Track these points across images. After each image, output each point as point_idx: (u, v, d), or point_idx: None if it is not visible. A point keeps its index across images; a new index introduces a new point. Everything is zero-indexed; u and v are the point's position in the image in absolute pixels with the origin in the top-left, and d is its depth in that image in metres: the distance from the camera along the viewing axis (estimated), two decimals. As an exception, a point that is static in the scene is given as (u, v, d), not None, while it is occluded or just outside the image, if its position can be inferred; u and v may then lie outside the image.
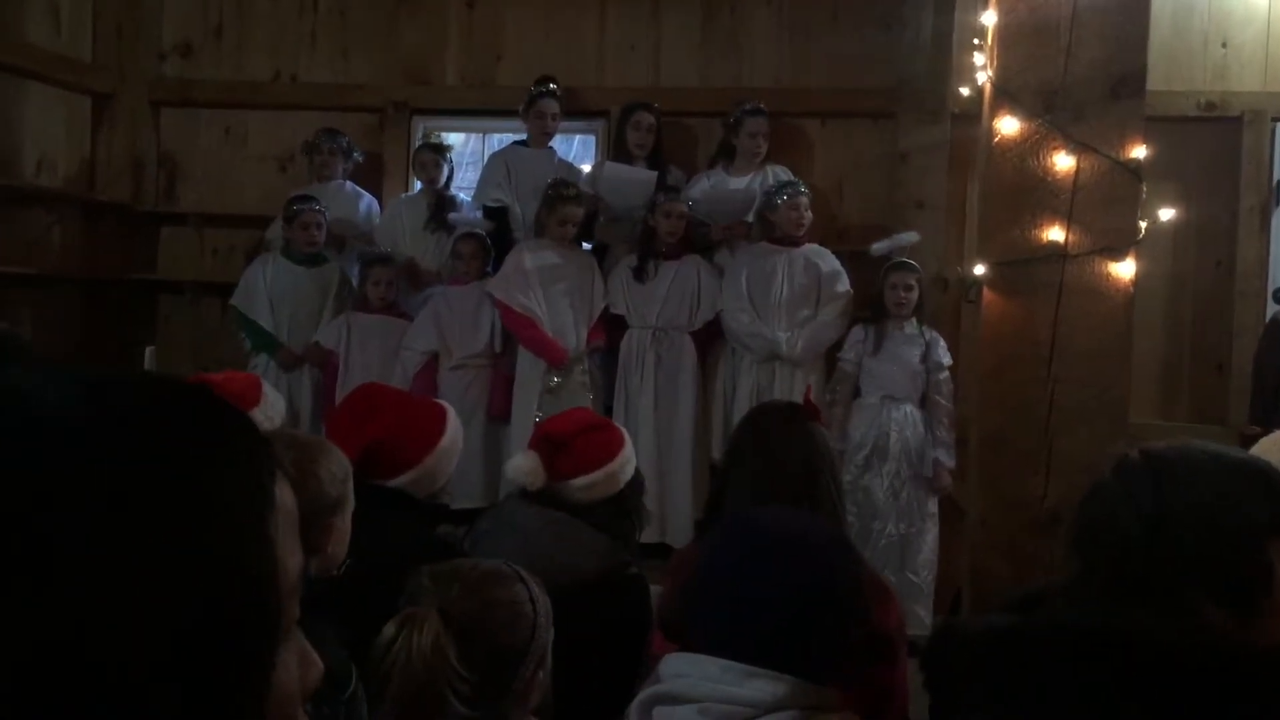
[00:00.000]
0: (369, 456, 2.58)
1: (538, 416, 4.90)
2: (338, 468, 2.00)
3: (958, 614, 3.09)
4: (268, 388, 3.05)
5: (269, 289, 5.41)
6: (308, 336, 5.40)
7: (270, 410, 3.03)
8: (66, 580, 0.57)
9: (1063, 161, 2.49)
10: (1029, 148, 2.50)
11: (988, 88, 2.61)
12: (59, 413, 0.61)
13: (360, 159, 5.90)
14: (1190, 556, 1.41)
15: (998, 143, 2.52)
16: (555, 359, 5.12)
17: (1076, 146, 2.47)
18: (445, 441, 2.62)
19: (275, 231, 5.63)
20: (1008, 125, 2.51)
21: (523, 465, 2.66)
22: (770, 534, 1.81)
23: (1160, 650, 1.36)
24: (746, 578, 1.78)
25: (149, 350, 3.16)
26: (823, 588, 1.72)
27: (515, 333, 5.18)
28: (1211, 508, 1.41)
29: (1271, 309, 4.91)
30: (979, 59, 2.67)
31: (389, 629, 1.77)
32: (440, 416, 2.69)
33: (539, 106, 5.53)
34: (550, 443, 2.69)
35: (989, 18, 2.58)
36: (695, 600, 1.96)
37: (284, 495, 0.69)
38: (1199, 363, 5.55)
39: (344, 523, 2.01)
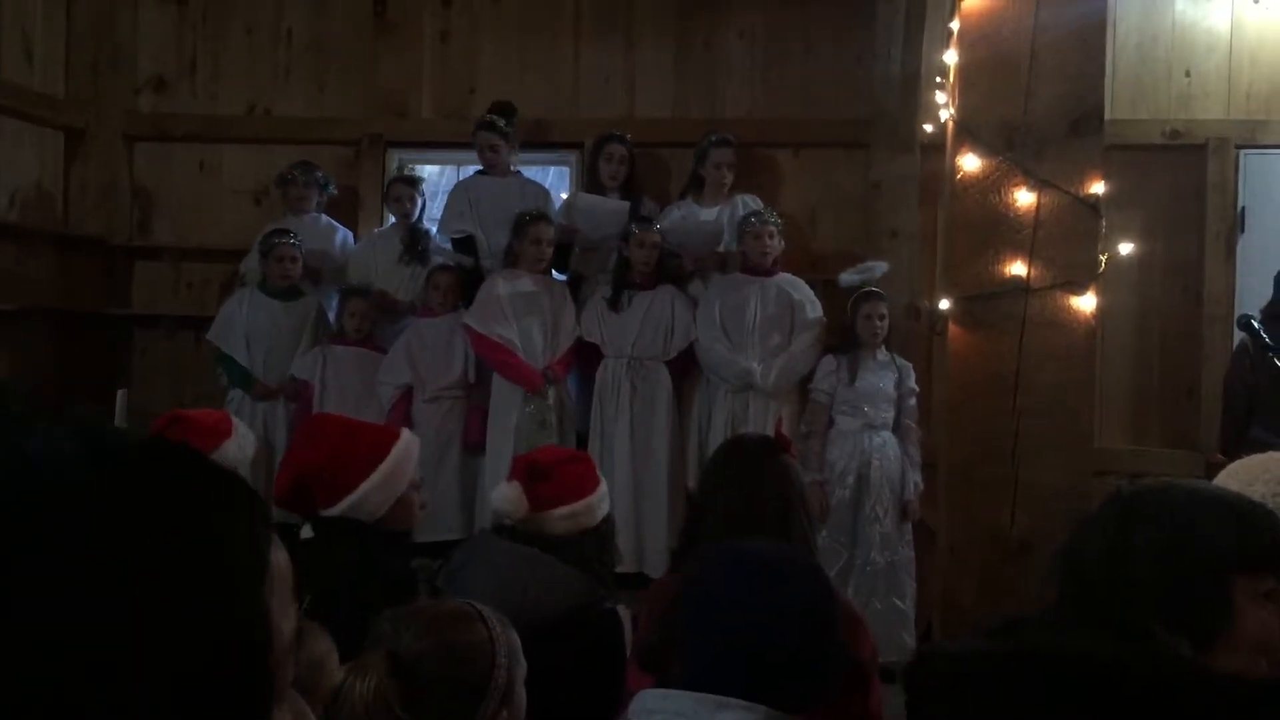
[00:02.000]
0: (299, 485, 2.57)
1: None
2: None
3: (930, 640, 3.11)
4: (239, 423, 3.05)
5: (245, 324, 5.41)
6: (284, 370, 5.40)
7: (242, 445, 3.03)
8: (68, 644, 0.58)
9: (1024, 197, 2.53)
10: (991, 184, 2.54)
11: (950, 125, 2.65)
12: (61, 477, 0.63)
13: (334, 192, 5.92)
14: (1149, 587, 1.44)
15: (960, 179, 2.56)
16: (531, 385, 5.13)
17: (1037, 183, 2.51)
18: (387, 465, 2.59)
19: (250, 264, 5.63)
20: (970, 162, 2.56)
21: (507, 494, 2.67)
22: (745, 565, 1.84)
23: (1127, 675, 1.39)
24: (722, 608, 1.80)
25: (121, 394, 3.15)
26: (798, 618, 1.75)
27: (489, 360, 5.19)
28: (1173, 540, 1.45)
29: (1239, 335, 4.97)
30: (941, 97, 2.71)
31: (339, 674, 1.78)
32: (388, 442, 2.67)
33: (479, 139, 5.54)
34: (532, 472, 2.71)
35: (951, 56, 2.63)
36: (672, 631, 1.98)
37: (278, 559, 0.71)
38: (1169, 388, 5.61)
39: None
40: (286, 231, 5.46)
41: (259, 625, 0.67)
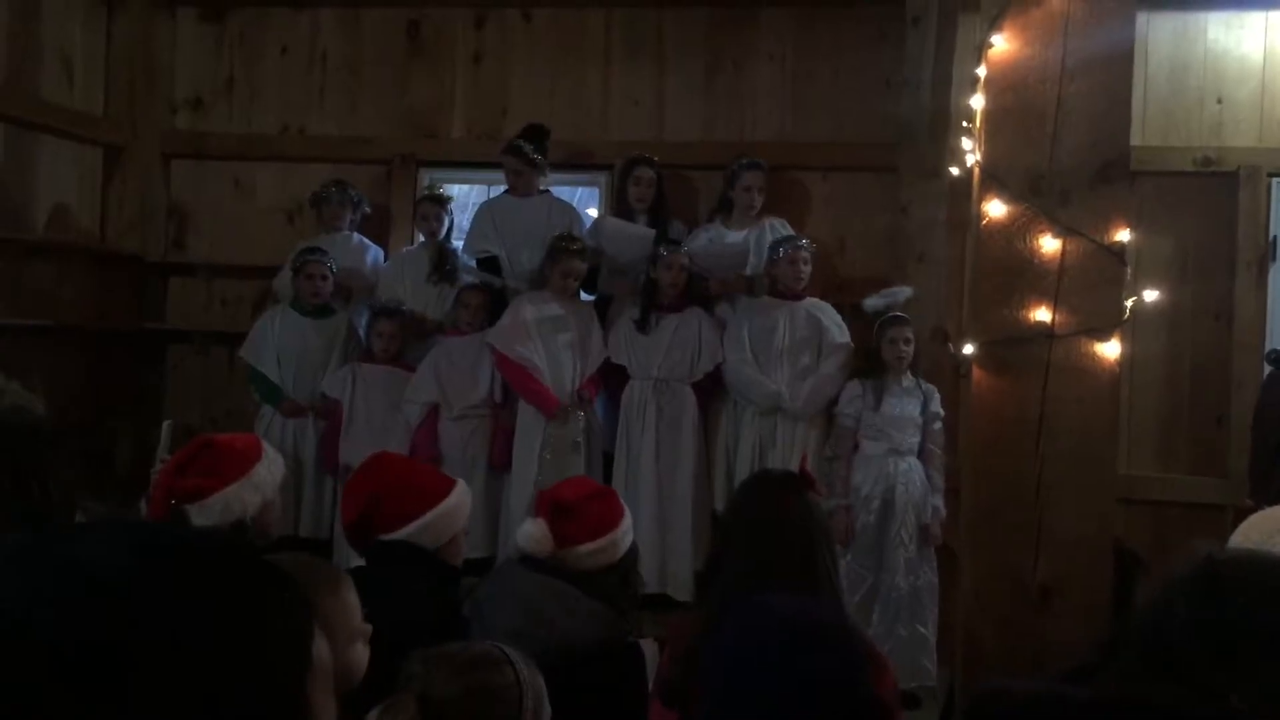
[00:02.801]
0: (369, 508, 2.68)
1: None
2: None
3: (952, 690, 3.11)
4: (268, 446, 3.10)
5: (276, 341, 5.48)
6: (314, 387, 5.46)
7: (271, 469, 3.09)
8: None
9: (1049, 244, 2.54)
10: (1016, 230, 2.56)
11: (977, 170, 2.66)
12: (113, 579, 0.67)
13: (368, 211, 5.98)
14: (1232, 659, 1.46)
15: (986, 225, 2.58)
16: (548, 409, 5.17)
17: (1062, 230, 2.53)
18: (451, 499, 2.71)
19: (282, 281, 5.70)
20: (996, 208, 2.57)
21: (533, 533, 2.72)
22: (776, 629, 1.86)
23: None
24: (749, 673, 1.83)
25: (166, 425, 3.19)
26: (825, 689, 1.77)
27: (511, 382, 5.24)
28: (1265, 621, 1.47)
29: (1268, 368, 4.94)
30: (967, 143, 2.73)
31: (371, 715, 1.81)
32: (450, 482, 2.78)
33: (505, 163, 5.59)
34: (558, 509, 2.75)
35: (978, 101, 2.64)
36: (693, 671, 2.01)
37: (320, 652, 0.74)
38: (1198, 415, 5.58)
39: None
40: (318, 250, 5.53)
41: (302, 717, 0.71)
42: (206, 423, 5.94)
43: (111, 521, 0.75)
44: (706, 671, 1.92)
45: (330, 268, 5.51)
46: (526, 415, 5.24)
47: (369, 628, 1.99)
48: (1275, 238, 5.50)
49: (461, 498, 2.77)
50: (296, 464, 5.32)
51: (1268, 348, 5.16)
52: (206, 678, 0.65)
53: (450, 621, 2.45)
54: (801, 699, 1.70)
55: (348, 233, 5.88)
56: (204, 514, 2.76)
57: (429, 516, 2.63)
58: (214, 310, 6.33)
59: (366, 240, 5.93)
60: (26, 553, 0.68)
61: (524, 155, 5.54)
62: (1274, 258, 5.50)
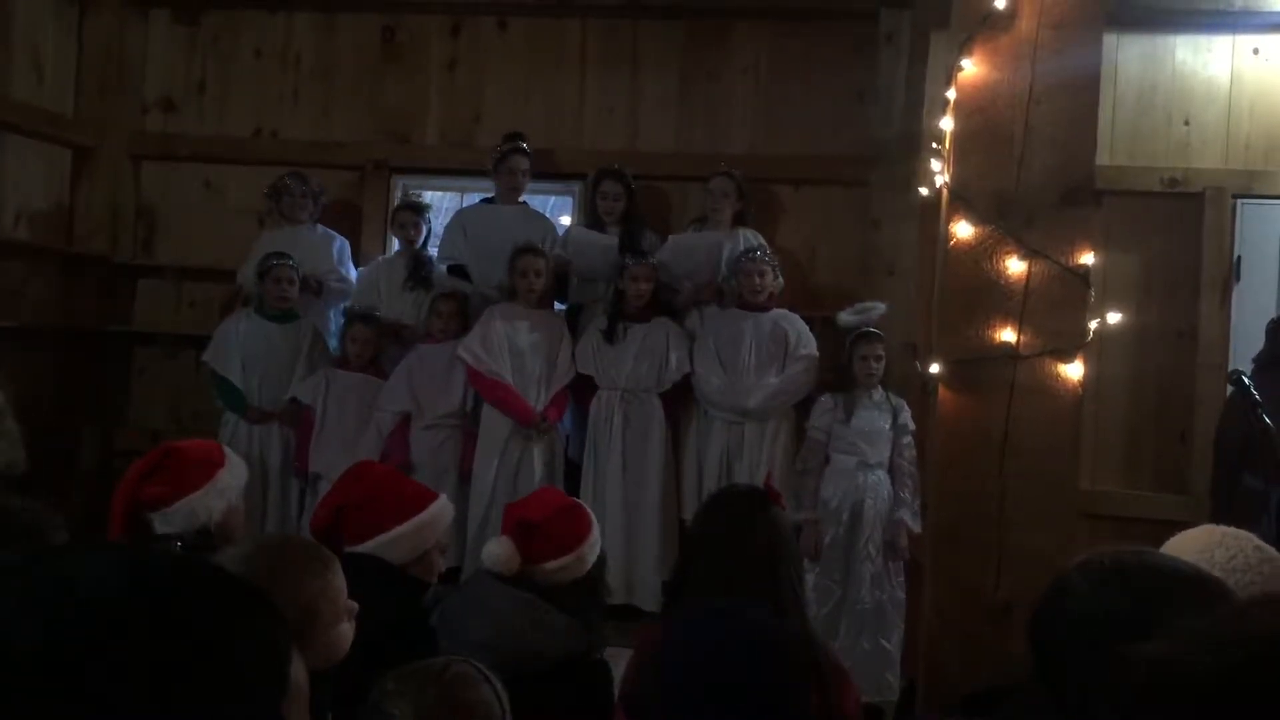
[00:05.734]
0: (337, 519, 2.67)
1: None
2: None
3: (913, 704, 3.14)
4: (231, 453, 3.09)
5: (241, 346, 5.45)
6: (279, 393, 5.43)
7: (235, 475, 3.07)
8: None
9: (1015, 266, 2.57)
10: (983, 251, 2.59)
11: (945, 192, 2.69)
12: (102, 601, 0.69)
13: (327, 202, 5.95)
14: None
15: (953, 245, 2.61)
16: (525, 420, 5.17)
17: (1028, 252, 2.56)
18: (423, 517, 2.70)
19: (246, 274, 5.67)
20: (963, 229, 2.60)
21: (499, 553, 2.72)
22: (723, 638, 1.90)
23: None
24: (697, 681, 1.86)
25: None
26: (769, 698, 1.81)
27: (484, 394, 5.24)
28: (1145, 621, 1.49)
29: (1230, 388, 5.00)
30: (936, 164, 2.76)
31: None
32: (428, 498, 2.77)
33: (510, 163, 5.62)
34: (523, 528, 2.75)
35: (947, 124, 2.67)
36: (661, 697, 2.03)
37: (297, 674, 0.76)
38: (1162, 432, 5.64)
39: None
40: (284, 255, 5.50)
41: None
42: (173, 425, 5.90)
43: (105, 544, 0.78)
44: (658, 682, 1.95)
45: (296, 271, 5.48)
46: (488, 426, 5.24)
47: (355, 606, 2.01)
48: (1239, 258, 5.58)
49: (438, 514, 2.74)
50: (261, 470, 5.30)
51: (1230, 367, 5.22)
52: (187, 700, 0.67)
53: (416, 636, 2.44)
54: (742, 710, 1.74)
55: (310, 225, 5.86)
56: (167, 521, 2.74)
57: (396, 531, 2.61)
58: (182, 313, 6.29)
59: (331, 231, 5.91)
60: (20, 571, 0.70)
61: (528, 153, 5.59)
62: (1237, 278, 5.57)
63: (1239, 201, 5.57)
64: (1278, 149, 5.54)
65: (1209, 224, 5.53)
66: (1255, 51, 5.53)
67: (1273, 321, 5.11)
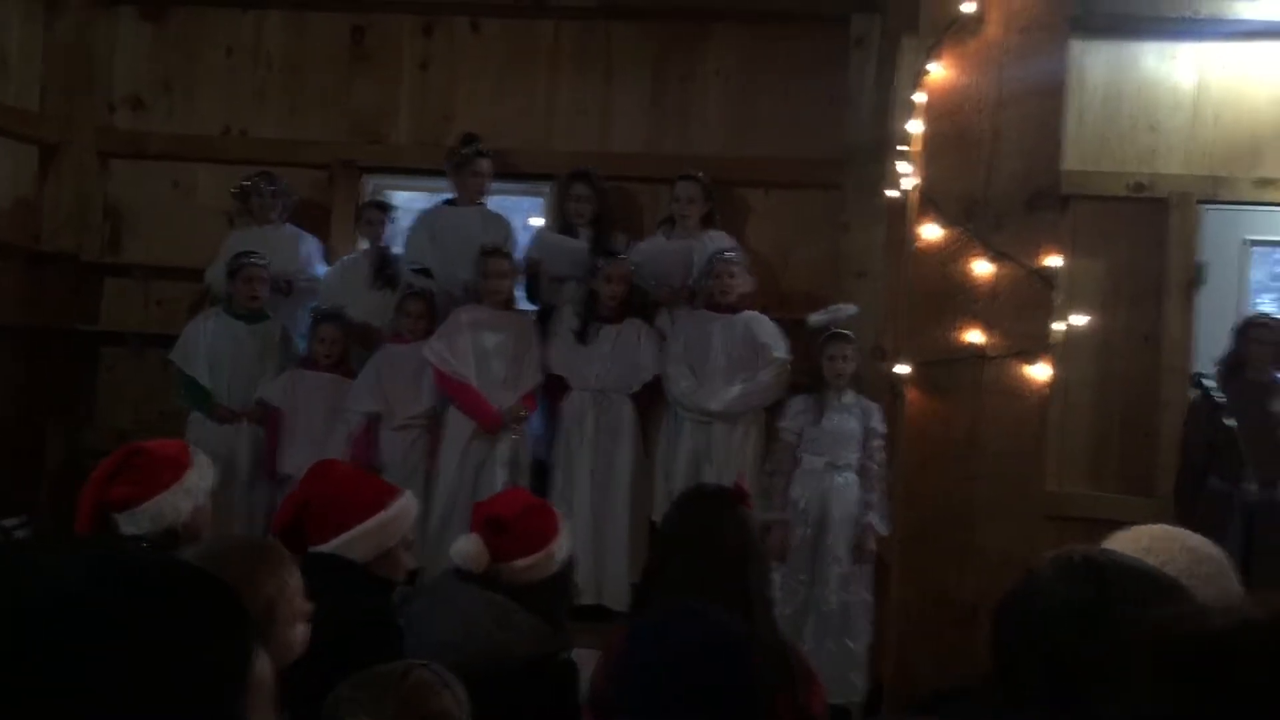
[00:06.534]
0: (300, 517, 2.64)
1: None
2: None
3: (879, 704, 3.16)
4: (198, 453, 3.06)
5: (209, 345, 5.42)
6: (247, 393, 5.40)
7: (202, 475, 3.05)
8: None
9: (982, 268, 2.60)
10: (950, 254, 2.61)
11: (913, 194, 2.72)
12: (67, 595, 0.70)
13: (295, 202, 5.92)
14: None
15: (921, 248, 2.63)
16: (487, 423, 5.17)
17: (995, 254, 2.59)
18: (386, 514, 2.66)
19: (215, 275, 5.63)
20: (931, 231, 2.62)
21: (467, 550, 2.71)
22: (682, 643, 1.92)
23: None
24: (657, 684, 1.88)
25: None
26: (725, 701, 1.83)
27: (449, 396, 5.23)
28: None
29: (1193, 392, 5.07)
30: (905, 167, 2.78)
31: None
32: (391, 494, 2.74)
33: (473, 165, 5.62)
34: (492, 525, 2.75)
35: (915, 127, 2.70)
36: (621, 695, 2.05)
37: (261, 669, 0.76)
38: (1128, 435, 5.69)
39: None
40: (253, 253, 5.47)
41: None
42: (140, 425, 5.85)
43: (67, 540, 0.78)
44: (625, 683, 1.96)
45: (266, 271, 5.45)
46: (452, 426, 5.24)
47: (310, 607, 2.00)
48: (1203, 263, 5.64)
49: (401, 510, 2.71)
50: (229, 471, 5.25)
51: (1194, 371, 5.29)
52: (150, 693, 0.67)
53: (381, 637, 2.43)
54: (707, 711, 1.76)
55: (279, 224, 5.83)
56: (134, 522, 2.72)
57: (359, 529, 2.59)
58: (150, 312, 6.24)
59: (300, 230, 5.89)
60: None
61: (490, 155, 5.64)
62: (1201, 283, 5.63)
63: (1203, 207, 5.63)
64: (1241, 155, 5.61)
65: (1174, 229, 5.59)
66: (1220, 59, 5.59)
67: (1237, 325, 5.19)
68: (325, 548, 2.59)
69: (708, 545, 2.59)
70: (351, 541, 2.60)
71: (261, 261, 5.45)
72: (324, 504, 2.65)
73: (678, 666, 1.85)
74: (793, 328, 5.40)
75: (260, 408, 5.37)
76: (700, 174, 5.59)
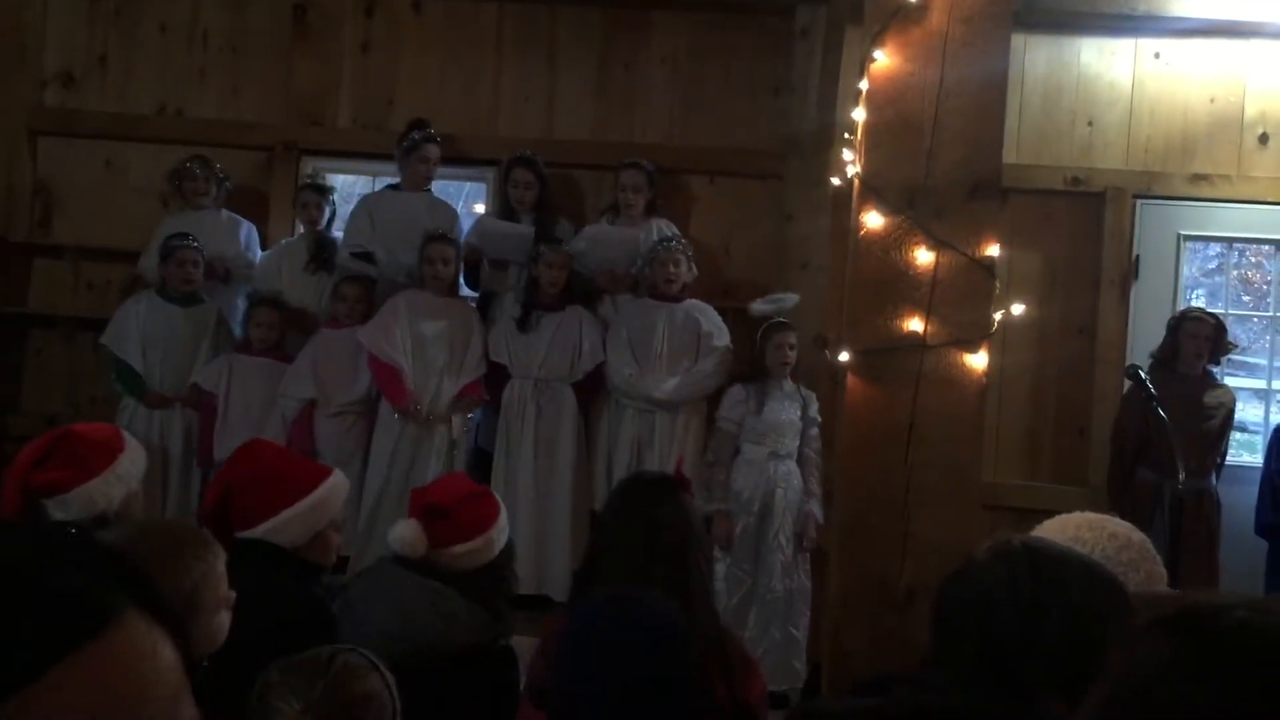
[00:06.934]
0: (225, 503, 2.58)
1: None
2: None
3: (817, 687, 3.18)
4: (130, 438, 3.00)
5: (141, 329, 5.31)
6: (181, 378, 5.31)
7: (135, 461, 2.99)
8: None
9: (923, 256, 2.62)
10: (892, 241, 2.62)
11: (857, 182, 2.73)
12: None
13: (230, 188, 5.82)
14: (1057, 654, 1.51)
15: (864, 235, 2.64)
16: (397, 402, 5.12)
17: (936, 243, 2.60)
18: (314, 497, 2.61)
19: (148, 263, 5.52)
20: (873, 219, 2.63)
21: (405, 535, 2.68)
22: (617, 629, 1.91)
23: None
24: (591, 664, 1.88)
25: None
26: (656, 688, 1.83)
27: (374, 378, 5.18)
28: (1083, 619, 1.53)
29: (1127, 382, 5.15)
30: (848, 154, 2.79)
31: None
32: (319, 476, 2.69)
33: (423, 151, 5.56)
34: (430, 511, 2.71)
35: (859, 115, 2.70)
36: (557, 682, 2.04)
37: (165, 660, 0.69)
38: (1061, 425, 5.78)
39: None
40: (188, 235, 5.37)
41: None
42: (69, 410, 5.72)
43: None
44: (562, 671, 1.95)
45: (201, 253, 5.35)
46: (386, 413, 5.20)
47: (233, 595, 1.97)
48: (1138, 257, 5.74)
49: (330, 492, 2.66)
50: (162, 457, 5.18)
51: (1128, 362, 5.37)
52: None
53: (312, 624, 2.39)
54: (643, 699, 1.76)
55: (215, 209, 5.72)
56: (63, 508, 2.66)
57: (288, 514, 2.54)
58: (80, 294, 6.09)
59: (237, 216, 5.79)
60: None
61: (439, 141, 5.58)
62: (1136, 276, 5.73)
63: (1138, 202, 5.73)
64: (1176, 151, 5.71)
65: (1109, 223, 5.68)
66: (1156, 55, 5.69)
67: (1172, 319, 5.29)
68: (254, 533, 2.54)
69: (647, 532, 2.59)
70: (281, 526, 2.55)
71: (195, 244, 5.35)
72: (251, 488, 2.59)
73: (617, 655, 1.84)
74: (735, 317, 5.41)
75: (194, 392, 5.28)
76: (645, 162, 5.57)
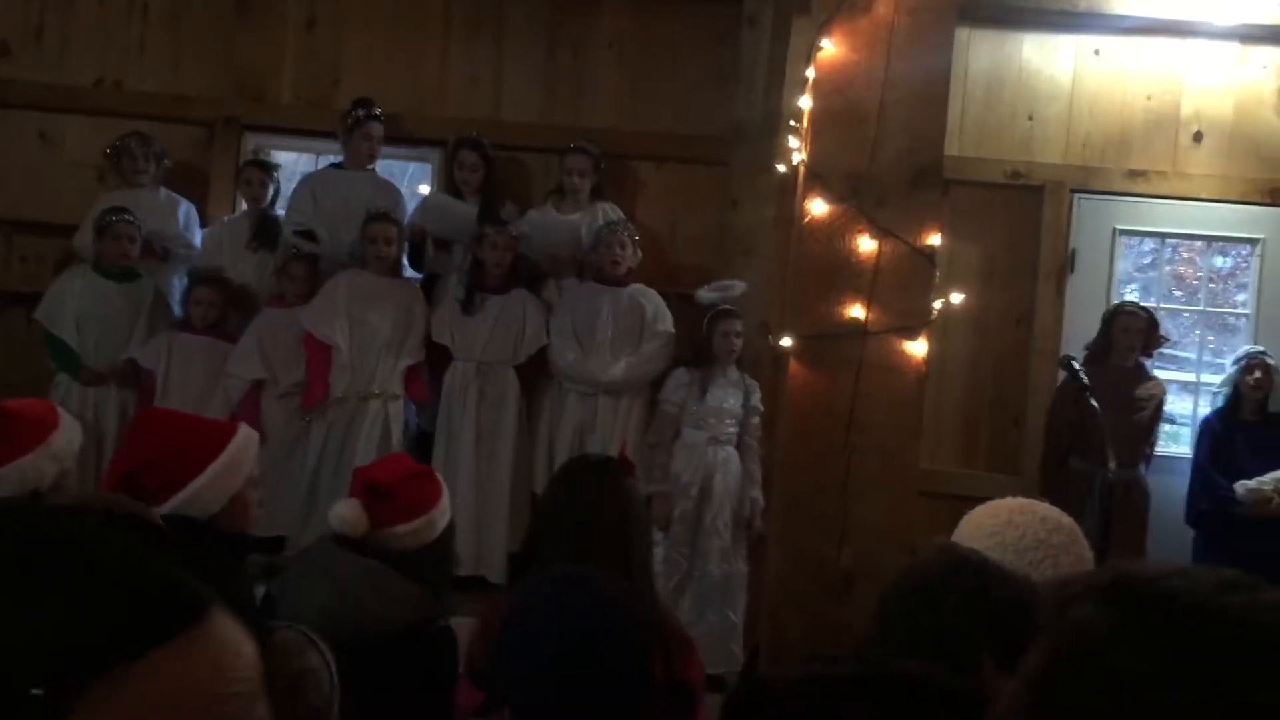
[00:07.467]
0: (128, 484, 2.47)
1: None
2: None
3: (755, 668, 3.21)
4: (65, 415, 2.96)
5: (76, 304, 5.22)
6: (116, 356, 5.23)
7: (69, 439, 2.94)
8: None
9: (866, 244, 2.65)
10: (836, 229, 2.66)
11: (801, 169, 2.75)
12: None
13: (169, 165, 5.72)
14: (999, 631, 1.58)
15: (808, 222, 2.66)
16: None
17: (879, 231, 2.63)
18: (221, 461, 2.47)
19: (83, 239, 5.42)
20: (818, 206, 2.66)
21: (345, 514, 2.66)
22: (564, 608, 1.92)
23: (946, 694, 1.53)
24: (537, 643, 1.88)
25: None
26: (609, 653, 1.84)
27: (307, 362, 5.14)
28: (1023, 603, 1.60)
29: (1061, 374, 5.24)
30: (794, 141, 2.81)
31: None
32: (224, 436, 2.56)
33: (365, 129, 5.51)
34: (372, 490, 2.70)
35: (806, 102, 2.72)
36: (501, 662, 2.04)
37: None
38: (997, 415, 5.85)
39: None
40: (124, 209, 5.28)
41: None
42: (2, 386, 5.60)
43: None
44: (505, 651, 1.96)
45: (138, 229, 5.26)
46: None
47: None
48: (1074, 250, 5.84)
49: (238, 451, 2.50)
50: (97, 435, 5.09)
51: (1063, 353, 5.47)
52: None
53: (240, 602, 2.32)
54: (588, 679, 1.77)
55: (153, 187, 5.63)
56: (-3, 484, 2.61)
57: (197, 483, 2.41)
58: (13, 268, 5.97)
59: (175, 194, 5.69)
60: None
61: (382, 119, 5.52)
62: (1072, 269, 5.83)
63: (1076, 196, 5.83)
64: (1114, 147, 5.82)
65: (1047, 217, 5.77)
66: (1096, 52, 5.79)
67: (1107, 312, 5.40)
68: (163, 509, 2.45)
69: (590, 514, 2.60)
70: (192, 497, 2.42)
71: (131, 219, 5.25)
72: (153, 461, 2.47)
73: (562, 634, 1.85)
74: (679, 302, 5.42)
75: (128, 367, 5.20)
76: (591, 146, 5.56)
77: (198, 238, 5.68)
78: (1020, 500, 1.98)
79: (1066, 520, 1.94)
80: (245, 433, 2.60)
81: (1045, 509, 1.95)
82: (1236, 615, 0.62)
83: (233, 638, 0.71)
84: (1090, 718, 0.61)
